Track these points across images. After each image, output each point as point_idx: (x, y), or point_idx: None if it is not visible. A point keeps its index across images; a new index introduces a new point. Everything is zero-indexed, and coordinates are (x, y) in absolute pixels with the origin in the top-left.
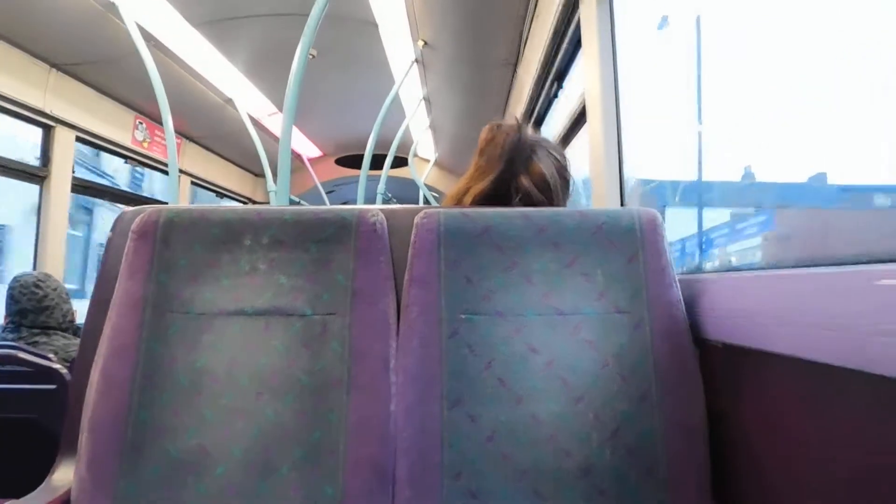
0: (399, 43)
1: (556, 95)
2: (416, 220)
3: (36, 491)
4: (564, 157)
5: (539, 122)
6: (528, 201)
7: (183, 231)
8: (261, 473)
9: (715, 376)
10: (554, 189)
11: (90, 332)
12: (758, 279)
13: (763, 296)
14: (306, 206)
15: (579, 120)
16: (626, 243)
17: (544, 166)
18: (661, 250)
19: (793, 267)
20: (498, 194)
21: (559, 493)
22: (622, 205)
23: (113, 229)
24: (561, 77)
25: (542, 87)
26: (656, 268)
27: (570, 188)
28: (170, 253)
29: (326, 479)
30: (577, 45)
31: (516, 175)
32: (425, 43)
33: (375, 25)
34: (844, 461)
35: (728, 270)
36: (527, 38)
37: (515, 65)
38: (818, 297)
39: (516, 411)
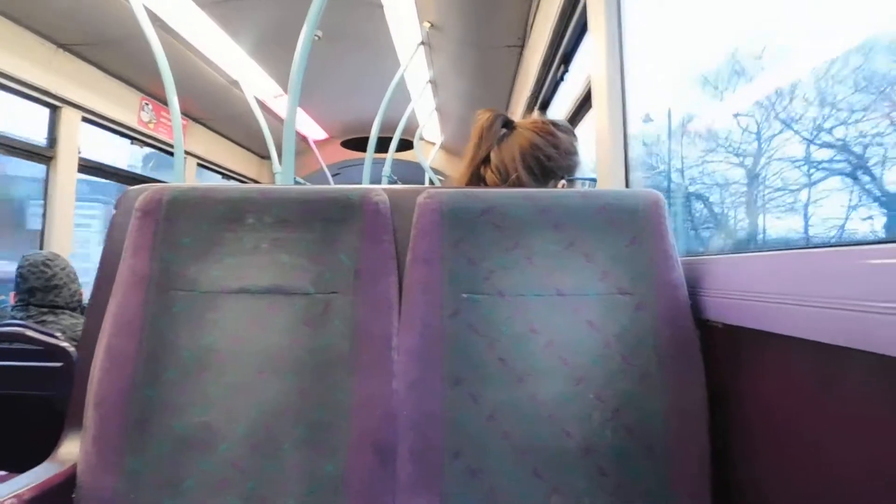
0: (405, 25)
1: (562, 78)
2: (419, 199)
3: (42, 465)
4: (553, 134)
5: (545, 105)
6: (494, 180)
7: (187, 209)
8: (263, 451)
9: (716, 357)
10: (525, 164)
11: (95, 309)
12: (757, 260)
13: (762, 276)
14: (310, 186)
15: (585, 102)
16: (629, 225)
17: (518, 143)
18: (663, 232)
19: (792, 248)
20: (472, 178)
21: (559, 473)
22: (626, 187)
23: (117, 207)
24: (567, 60)
25: (549, 70)
26: (659, 249)
27: (571, 161)
28: (174, 231)
29: (328, 457)
30: (583, 27)
31: (487, 156)
32: (431, 25)
33: (381, 7)
34: (844, 441)
35: (733, 252)
36: (533, 21)
37: (522, 47)
38: (816, 278)
39: (517, 391)
